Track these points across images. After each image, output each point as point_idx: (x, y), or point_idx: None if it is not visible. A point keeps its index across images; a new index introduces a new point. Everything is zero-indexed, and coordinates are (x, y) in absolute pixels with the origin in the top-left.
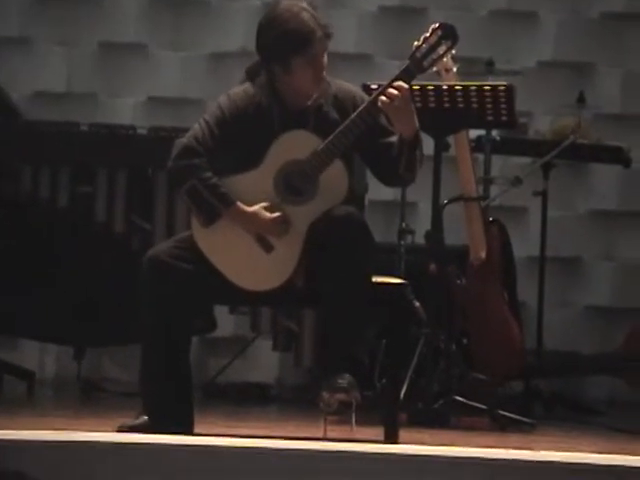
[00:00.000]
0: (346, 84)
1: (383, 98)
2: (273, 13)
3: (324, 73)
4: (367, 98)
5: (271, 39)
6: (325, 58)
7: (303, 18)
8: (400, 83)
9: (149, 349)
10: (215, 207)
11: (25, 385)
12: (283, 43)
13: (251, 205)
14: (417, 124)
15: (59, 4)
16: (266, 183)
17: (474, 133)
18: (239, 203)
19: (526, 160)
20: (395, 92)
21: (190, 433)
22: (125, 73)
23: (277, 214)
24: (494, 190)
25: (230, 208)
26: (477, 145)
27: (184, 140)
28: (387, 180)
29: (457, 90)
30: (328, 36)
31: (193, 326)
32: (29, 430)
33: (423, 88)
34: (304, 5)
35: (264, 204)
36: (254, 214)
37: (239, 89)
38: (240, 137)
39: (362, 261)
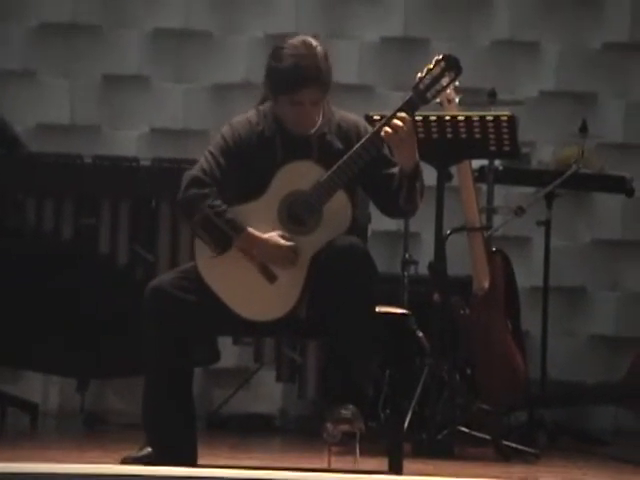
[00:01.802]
0: (350, 114)
1: (386, 129)
2: (281, 47)
3: (314, 117)
4: (371, 129)
5: (269, 73)
6: (316, 104)
7: (300, 63)
8: (404, 115)
9: (152, 380)
10: (227, 234)
11: (28, 417)
12: (273, 78)
13: None
14: (418, 156)
15: (62, 37)
16: (270, 213)
17: (477, 163)
18: (251, 229)
19: (529, 190)
20: (399, 123)
21: (194, 464)
22: (128, 105)
23: (292, 243)
24: (497, 220)
25: (242, 234)
26: (480, 175)
27: (192, 172)
28: (388, 211)
29: (460, 121)
30: (324, 86)
31: (197, 357)
32: (33, 463)
33: (426, 119)
34: (314, 47)
35: (279, 232)
36: (268, 240)
37: (242, 117)
38: (244, 166)
39: (365, 291)
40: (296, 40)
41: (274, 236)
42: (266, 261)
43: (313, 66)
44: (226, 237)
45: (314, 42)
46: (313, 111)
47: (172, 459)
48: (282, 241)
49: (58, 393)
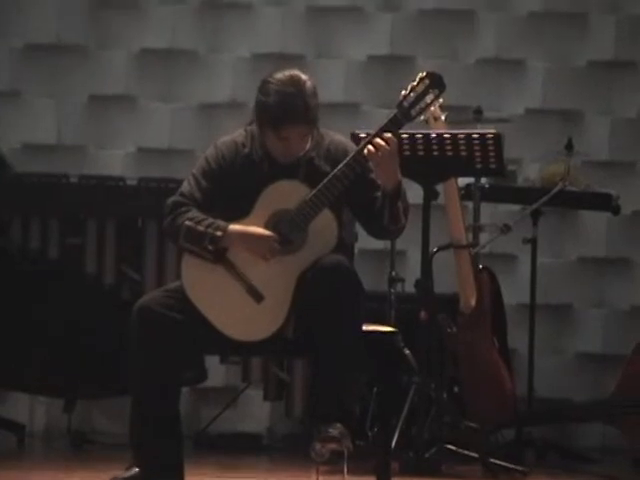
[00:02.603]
0: (339, 137)
1: (369, 147)
2: (270, 81)
3: (301, 149)
4: None
5: (257, 106)
6: (303, 138)
7: (290, 101)
8: (388, 135)
9: (139, 399)
10: (214, 236)
11: (15, 438)
12: (262, 115)
13: (243, 257)
14: (400, 177)
15: (48, 57)
16: None
17: (463, 181)
18: (233, 225)
19: (515, 207)
20: (382, 143)
21: None
22: (114, 125)
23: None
24: (484, 238)
25: (227, 231)
26: (466, 193)
27: (172, 198)
28: (374, 232)
29: (446, 138)
30: (311, 122)
31: (184, 377)
32: None
33: (412, 136)
34: (303, 82)
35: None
36: (253, 230)
37: (228, 138)
38: (228, 188)
39: (351, 310)
40: (284, 75)
41: (256, 228)
42: (254, 252)
43: (300, 103)
44: (213, 239)
45: (302, 77)
46: (300, 144)
47: (158, 478)
48: (266, 231)
49: (45, 414)
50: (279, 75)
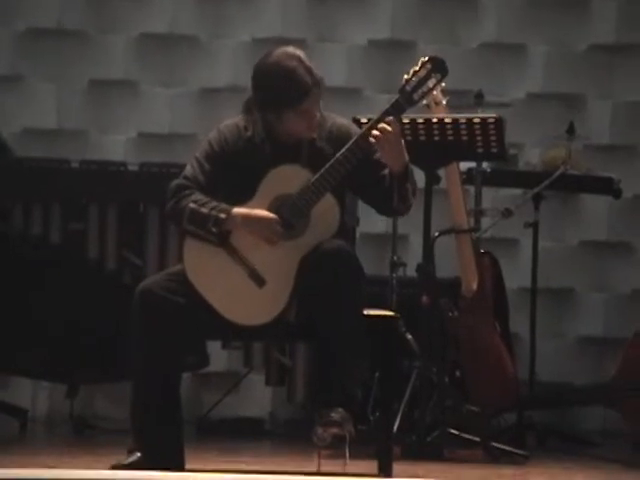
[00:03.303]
0: (341, 119)
1: (375, 132)
2: (269, 66)
3: (317, 118)
4: None
5: (265, 93)
6: (318, 105)
7: (298, 75)
8: (391, 118)
9: (140, 382)
10: (218, 218)
11: (18, 423)
12: (277, 99)
13: (245, 241)
14: (407, 158)
15: (49, 42)
16: None
17: (464, 165)
18: (237, 208)
19: (517, 192)
20: (386, 127)
21: (182, 468)
22: (115, 110)
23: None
24: (485, 222)
25: (231, 213)
26: (468, 177)
27: (175, 181)
28: (383, 211)
29: (447, 123)
30: (320, 85)
31: (186, 362)
32: (22, 468)
33: (413, 121)
34: (299, 55)
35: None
36: (257, 213)
37: (231, 122)
38: (231, 171)
39: (353, 294)
40: (275, 56)
41: (260, 210)
42: (258, 235)
43: (305, 72)
44: (217, 221)
45: (288, 49)
46: (317, 111)
47: (159, 462)
48: (270, 214)
49: (47, 399)
50: (270, 59)
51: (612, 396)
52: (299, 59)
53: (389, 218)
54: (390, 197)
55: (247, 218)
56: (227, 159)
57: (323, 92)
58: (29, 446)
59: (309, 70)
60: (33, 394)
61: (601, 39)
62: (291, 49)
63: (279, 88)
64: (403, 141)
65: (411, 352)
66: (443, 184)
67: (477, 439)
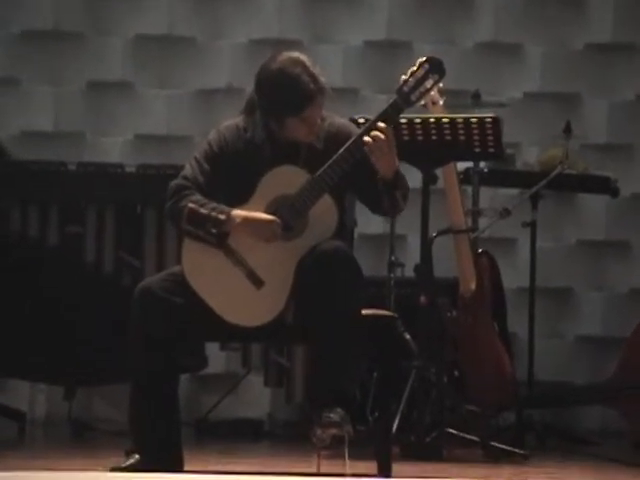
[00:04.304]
0: (340, 120)
1: (366, 138)
2: (272, 72)
3: (318, 124)
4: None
5: (268, 99)
6: (321, 111)
7: (302, 82)
8: (383, 126)
9: (138, 382)
10: (217, 219)
11: (16, 426)
12: (279, 106)
13: (243, 242)
14: (397, 165)
15: (45, 44)
16: None
17: (462, 165)
18: (236, 210)
19: (514, 191)
20: (378, 134)
21: (180, 469)
22: (112, 111)
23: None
24: (483, 222)
25: (231, 215)
26: (465, 177)
27: (175, 181)
28: (375, 211)
29: (444, 123)
30: (324, 92)
31: (183, 362)
32: (20, 471)
33: (410, 121)
34: (304, 61)
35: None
36: (255, 215)
37: (231, 122)
38: (230, 172)
39: (349, 295)
40: (280, 61)
41: (260, 213)
42: (257, 237)
43: (309, 79)
44: (216, 222)
45: (293, 54)
46: (319, 116)
47: (157, 464)
48: (269, 216)
49: (45, 401)
50: (275, 64)
51: (611, 395)
52: (303, 65)
53: (385, 218)
54: (381, 202)
55: (246, 220)
56: (226, 160)
57: (327, 97)
58: (27, 449)
59: (313, 77)
60: (31, 397)
61: (597, 38)
62: (296, 54)
63: (282, 95)
64: (395, 149)
65: (409, 352)
66: (440, 184)
67: (476, 439)
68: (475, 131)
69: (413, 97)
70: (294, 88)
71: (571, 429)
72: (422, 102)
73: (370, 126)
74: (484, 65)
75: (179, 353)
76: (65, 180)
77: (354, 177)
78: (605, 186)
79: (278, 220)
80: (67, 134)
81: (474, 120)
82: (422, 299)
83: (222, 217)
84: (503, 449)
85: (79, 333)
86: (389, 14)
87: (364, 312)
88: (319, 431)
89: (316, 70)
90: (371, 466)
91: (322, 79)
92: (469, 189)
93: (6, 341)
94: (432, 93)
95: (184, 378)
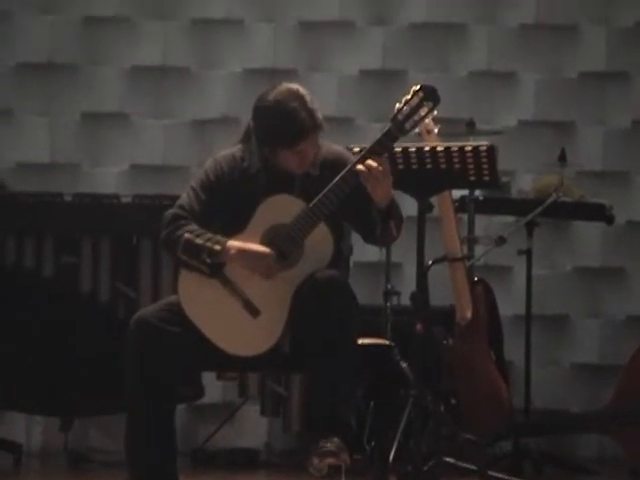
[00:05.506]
0: (336, 148)
1: (361, 167)
2: (270, 103)
3: (311, 157)
4: None
5: (262, 129)
6: (316, 145)
7: (298, 116)
8: (379, 155)
9: (134, 413)
10: (213, 249)
11: (12, 457)
12: (273, 137)
13: (239, 272)
14: (392, 194)
15: (40, 76)
16: None
17: (457, 193)
18: (232, 241)
19: (510, 219)
20: (374, 164)
21: None
22: (108, 142)
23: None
24: (478, 250)
25: (226, 246)
26: (460, 205)
27: (171, 210)
28: (368, 240)
29: (439, 151)
30: (320, 129)
31: (181, 393)
32: None
33: (405, 150)
34: (303, 95)
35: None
36: (251, 247)
37: (227, 152)
38: (226, 201)
39: (345, 324)
40: (279, 93)
41: (255, 245)
42: (252, 269)
43: (307, 115)
44: (211, 253)
45: (293, 87)
46: (314, 150)
47: None
48: (265, 248)
49: (42, 432)
50: (273, 95)
51: (608, 423)
52: (302, 99)
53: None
54: (374, 230)
55: (242, 252)
56: (223, 189)
57: (321, 131)
58: None
59: (310, 112)
60: (27, 428)
61: (591, 66)
62: (295, 87)
63: (276, 127)
64: (391, 178)
65: (406, 381)
66: (436, 212)
67: (473, 467)
68: (470, 159)
69: (407, 125)
70: (290, 122)
71: (568, 457)
72: (417, 130)
73: (365, 155)
74: (478, 93)
75: (175, 383)
76: (61, 211)
77: (348, 205)
78: (600, 213)
79: (273, 253)
80: (63, 165)
81: (469, 148)
82: (418, 327)
83: (217, 248)
84: (500, 477)
85: (75, 364)
86: (384, 43)
87: (360, 341)
88: (316, 460)
89: (314, 105)
90: None
91: (319, 115)
92: (465, 217)
93: (2, 372)
94: (426, 121)
95: (181, 408)
